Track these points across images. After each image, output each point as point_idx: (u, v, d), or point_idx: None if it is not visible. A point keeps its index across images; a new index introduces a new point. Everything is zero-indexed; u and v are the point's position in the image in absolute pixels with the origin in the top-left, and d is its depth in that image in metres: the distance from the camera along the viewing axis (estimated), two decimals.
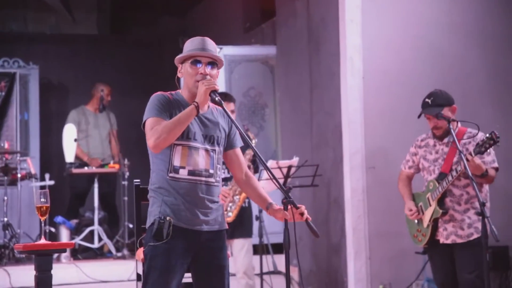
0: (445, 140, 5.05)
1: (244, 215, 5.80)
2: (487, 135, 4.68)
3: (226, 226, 3.73)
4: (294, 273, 6.96)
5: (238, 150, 3.80)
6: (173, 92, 3.68)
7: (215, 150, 3.65)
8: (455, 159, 4.96)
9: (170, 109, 3.56)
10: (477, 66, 6.68)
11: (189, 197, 3.57)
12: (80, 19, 11.34)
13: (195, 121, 3.61)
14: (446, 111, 4.97)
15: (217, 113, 3.72)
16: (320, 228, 6.77)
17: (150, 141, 3.50)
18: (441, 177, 4.98)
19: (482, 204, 4.40)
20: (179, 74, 3.69)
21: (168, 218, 3.54)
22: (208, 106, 3.70)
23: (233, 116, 5.82)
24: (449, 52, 6.63)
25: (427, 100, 5.05)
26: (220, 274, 3.65)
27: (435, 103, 5.00)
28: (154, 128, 3.50)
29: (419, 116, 5.10)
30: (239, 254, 5.83)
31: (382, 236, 6.43)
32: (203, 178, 3.59)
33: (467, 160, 4.69)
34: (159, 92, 3.65)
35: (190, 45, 3.65)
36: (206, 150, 3.62)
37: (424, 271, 6.31)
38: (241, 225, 5.79)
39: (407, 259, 6.39)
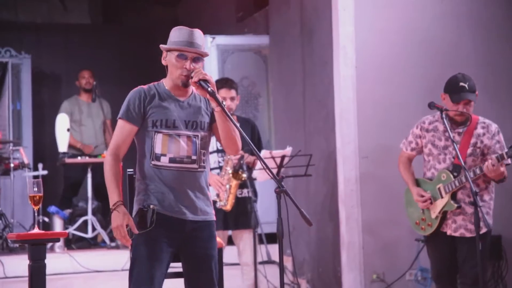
0: (459, 129, 4.86)
1: (247, 205, 5.78)
2: None
3: (214, 218, 3.71)
4: (288, 263, 6.97)
5: None
6: (155, 83, 3.69)
7: (198, 135, 3.63)
8: (469, 151, 4.81)
9: (141, 106, 3.59)
10: (469, 54, 6.68)
11: (172, 185, 3.58)
12: (72, 8, 11.29)
13: (176, 108, 3.62)
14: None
15: (199, 97, 3.70)
16: (313, 218, 6.81)
17: (107, 155, 3.63)
18: (455, 169, 4.81)
19: (475, 194, 4.39)
20: (163, 61, 3.69)
21: (151, 206, 3.56)
22: (192, 91, 3.69)
23: (234, 104, 5.82)
24: (441, 40, 6.63)
25: (462, 84, 4.77)
26: (207, 264, 3.64)
27: (472, 89, 4.78)
28: (114, 141, 3.61)
29: (456, 101, 4.75)
30: (249, 245, 5.82)
31: (375, 225, 6.45)
32: (185, 165, 3.59)
33: (492, 165, 4.57)
34: (137, 88, 3.67)
35: (178, 35, 3.63)
36: (188, 137, 3.61)
37: (417, 260, 6.33)
38: (245, 215, 5.78)
39: (400, 248, 6.42)
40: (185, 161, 3.59)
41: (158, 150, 3.59)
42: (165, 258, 3.58)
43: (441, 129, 4.91)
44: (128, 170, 3.93)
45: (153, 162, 3.59)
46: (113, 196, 3.57)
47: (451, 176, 4.83)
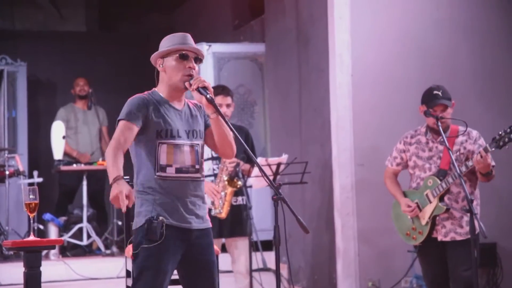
0: (440, 138, 4.92)
1: (242, 213, 5.77)
2: (507, 128, 4.56)
3: (210, 224, 3.72)
4: (284, 270, 6.97)
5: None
6: (149, 92, 3.66)
7: (198, 144, 3.64)
8: (453, 156, 4.84)
9: (144, 111, 3.53)
10: (465, 61, 6.70)
11: (179, 195, 3.56)
12: (68, 16, 11.30)
13: (176, 117, 3.61)
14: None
15: (193, 106, 3.71)
16: (309, 225, 6.80)
17: (108, 148, 3.49)
18: (441, 173, 4.90)
19: (470, 201, 4.41)
20: (160, 69, 3.64)
21: (160, 218, 3.51)
22: (184, 102, 3.68)
23: (230, 110, 5.84)
24: (438, 48, 6.65)
25: (436, 92, 4.92)
26: (210, 270, 3.64)
27: (446, 96, 4.91)
28: (115, 138, 3.47)
29: (432, 107, 4.88)
30: (243, 253, 5.80)
31: (371, 233, 6.45)
32: (191, 175, 3.59)
33: (481, 156, 4.62)
34: (135, 95, 3.63)
35: (172, 40, 3.62)
36: (191, 146, 3.61)
37: (412, 268, 6.33)
38: (240, 223, 5.76)
39: (395, 256, 6.41)
40: (191, 171, 3.58)
41: (163, 161, 3.55)
42: (171, 269, 3.57)
43: (423, 141, 5.03)
44: (124, 177, 3.91)
45: (158, 174, 3.54)
46: (114, 171, 3.40)
47: (438, 180, 4.90)
